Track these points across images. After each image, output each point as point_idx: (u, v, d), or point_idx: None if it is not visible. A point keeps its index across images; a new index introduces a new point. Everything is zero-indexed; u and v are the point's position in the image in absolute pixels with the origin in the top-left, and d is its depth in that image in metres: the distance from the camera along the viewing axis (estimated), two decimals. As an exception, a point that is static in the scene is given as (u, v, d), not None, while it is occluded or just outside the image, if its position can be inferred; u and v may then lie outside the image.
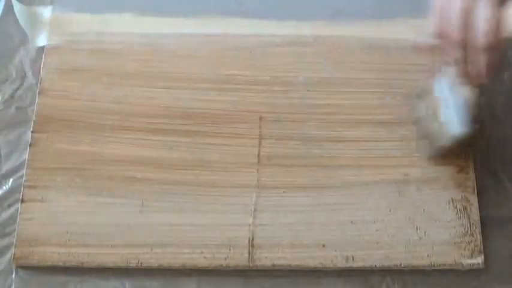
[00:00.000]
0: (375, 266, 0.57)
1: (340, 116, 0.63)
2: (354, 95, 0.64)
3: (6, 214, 0.60)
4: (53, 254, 0.57)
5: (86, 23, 0.68)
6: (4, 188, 0.61)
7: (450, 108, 0.55)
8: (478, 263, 0.57)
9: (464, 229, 0.59)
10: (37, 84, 0.65)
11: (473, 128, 0.55)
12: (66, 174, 0.60)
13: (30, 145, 0.61)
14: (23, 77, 0.66)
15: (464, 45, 0.49)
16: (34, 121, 0.62)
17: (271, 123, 0.63)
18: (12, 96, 0.65)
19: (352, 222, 0.59)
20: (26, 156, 0.61)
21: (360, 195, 0.60)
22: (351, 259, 0.57)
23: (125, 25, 0.68)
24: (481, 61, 0.49)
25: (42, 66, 0.65)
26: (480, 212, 0.59)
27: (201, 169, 0.61)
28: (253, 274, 0.58)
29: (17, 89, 0.66)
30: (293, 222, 0.59)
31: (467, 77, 0.51)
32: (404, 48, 0.67)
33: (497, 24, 0.47)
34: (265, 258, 0.57)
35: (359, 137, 0.62)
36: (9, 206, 0.60)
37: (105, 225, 0.58)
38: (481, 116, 0.56)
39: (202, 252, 0.57)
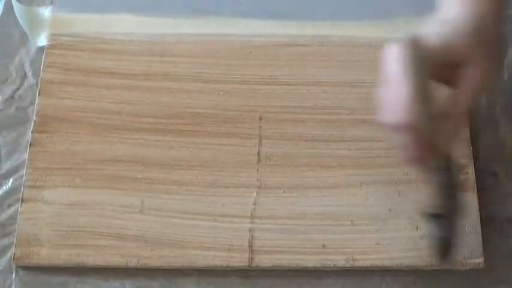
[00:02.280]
0: (375, 266, 0.57)
1: (340, 116, 0.63)
2: (354, 94, 0.64)
3: (6, 214, 0.60)
4: (53, 254, 0.57)
5: (86, 23, 0.68)
6: (4, 188, 0.61)
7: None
8: (478, 263, 0.57)
9: (464, 229, 0.59)
10: (37, 84, 0.65)
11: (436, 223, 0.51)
12: (66, 174, 0.60)
13: (30, 145, 0.61)
14: (23, 77, 0.66)
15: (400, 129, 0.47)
16: (34, 121, 0.62)
17: (271, 123, 0.63)
18: (12, 96, 0.65)
19: (352, 222, 0.59)
20: (26, 156, 0.61)
21: (360, 195, 0.60)
22: (351, 259, 0.57)
23: (125, 25, 0.68)
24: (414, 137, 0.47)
25: (42, 66, 0.65)
26: (480, 212, 0.59)
27: (201, 169, 0.61)
28: (253, 274, 0.58)
29: (17, 89, 0.66)
30: (293, 222, 0.59)
31: (417, 163, 0.49)
32: (404, 48, 0.67)
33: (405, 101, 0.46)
34: (265, 258, 0.57)
35: (359, 137, 0.62)
36: (9, 206, 0.60)
37: (105, 225, 0.58)
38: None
39: (202, 253, 0.57)
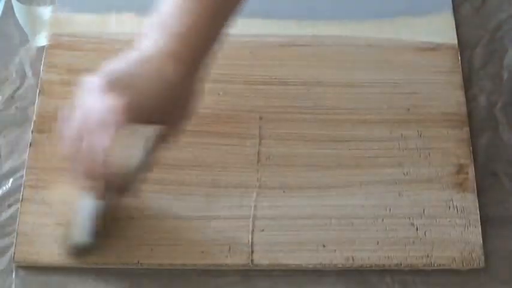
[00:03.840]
0: (375, 266, 0.57)
1: (340, 116, 0.63)
2: (354, 95, 0.64)
3: (6, 214, 0.60)
4: (53, 254, 0.57)
5: (86, 23, 0.68)
6: (4, 188, 0.61)
7: (81, 216, 0.55)
8: (478, 263, 0.57)
9: (464, 229, 0.59)
10: (37, 84, 0.65)
11: (92, 240, 0.55)
12: (66, 174, 0.60)
13: (30, 145, 0.61)
14: (23, 77, 0.66)
15: (82, 166, 0.48)
16: (34, 121, 0.62)
17: (271, 123, 0.63)
18: (12, 96, 0.65)
19: (352, 222, 0.59)
20: (26, 156, 0.61)
21: (360, 195, 0.60)
22: (351, 259, 0.57)
23: (125, 25, 0.68)
24: (96, 183, 0.48)
25: (42, 66, 0.65)
26: (480, 212, 0.59)
27: (201, 169, 0.61)
28: (253, 274, 0.58)
29: (17, 89, 0.66)
30: (293, 222, 0.59)
31: (93, 193, 0.51)
32: (404, 48, 0.67)
33: (101, 154, 0.46)
34: (265, 258, 0.57)
35: (359, 137, 0.62)
36: (9, 206, 0.60)
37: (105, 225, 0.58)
38: (104, 230, 0.56)
39: (202, 252, 0.57)
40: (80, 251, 0.56)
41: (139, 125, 0.47)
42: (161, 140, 0.51)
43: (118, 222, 0.58)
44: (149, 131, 0.49)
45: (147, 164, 0.51)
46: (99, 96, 0.46)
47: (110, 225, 0.57)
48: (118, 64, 0.48)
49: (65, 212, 0.59)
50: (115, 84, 0.46)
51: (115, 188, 0.50)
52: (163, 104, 0.48)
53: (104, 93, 0.46)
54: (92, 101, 0.46)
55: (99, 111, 0.46)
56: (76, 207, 0.55)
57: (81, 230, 0.55)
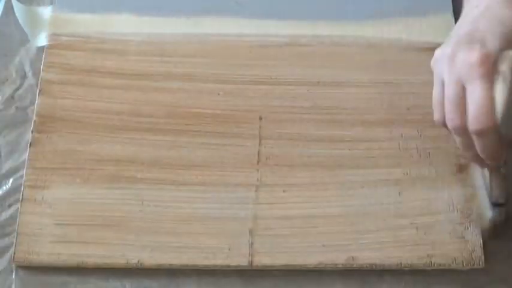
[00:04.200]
0: (375, 266, 0.57)
1: (340, 116, 0.63)
2: (354, 95, 0.64)
3: (6, 214, 0.60)
4: (53, 254, 0.57)
5: (86, 23, 0.68)
6: (4, 188, 0.61)
7: (479, 192, 0.57)
8: (478, 263, 0.57)
9: (464, 229, 0.59)
10: (37, 84, 0.65)
11: (497, 211, 0.56)
12: (66, 174, 0.60)
13: (30, 145, 0.61)
14: (23, 77, 0.66)
15: (460, 132, 0.49)
16: (34, 121, 0.62)
17: (271, 123, 0.63)
18: (12, 96, 0.65)
19: (352, 222, 0.59)
20: (26, 156, 0.61)
21: (359, 195, 0.60)
22: (351, 259, 0.57)
23: (125, 25, 0.68)
24: (478, 146, 0.48)
25: (42, 66, 0.65)
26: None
27: (200, 169, 0.61)
28: (253, 274, 0.58)
29: (17, 89, 0.66)
30: (293, 222, 0.59)
31: (475, 160, 0.51)
32: (404, 48, 0.67)
33: (486, 109, 0.46)
34: (265, 258, 0.57)
35: (359, 137, 0.62)
36: (9, 206, 0.60)
37: (105, 225, 0.58)
38: (505, 197, 0.56)
39: (202, 252, 0.57)
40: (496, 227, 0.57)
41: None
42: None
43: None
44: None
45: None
46: (458, 56, 0.48)
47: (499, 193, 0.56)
48: (461, 27, 0.50)
49: (65, 212, 0.59)
50: (467, 41, 0.48)
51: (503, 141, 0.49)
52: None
53: (460, 52, 0.48)
54: (454, 62, 0.48)
55: (467, 68, 0.47)
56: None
57: (484, 206, 0.56)
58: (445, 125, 0.51)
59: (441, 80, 0.50)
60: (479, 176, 0.59)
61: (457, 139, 0.51)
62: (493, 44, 0.48)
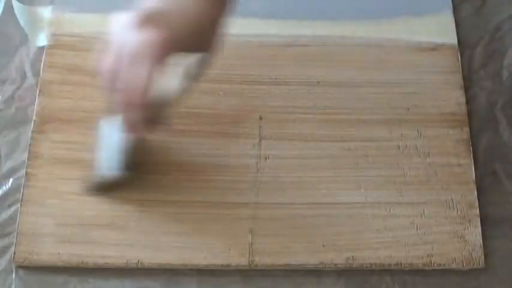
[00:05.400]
0: (375, 266, 0.57)
1: (340, 116, 0.63)
2: (354, 95, 0.64)
3: (6, 214, 0.60)
4: (53, 254, 0.57)
5: (86, 23, 0.68)
6: (4, 188, 0.61)
7: (108, 149, 0.56)
8: (478, 263, 0.57)
9: (464, 229, 0.59)
10: (37, 84, 0.65)
11: (124, 173, 0.56)
12: (66, 174, 0.60)
13: (30, 145, 0.61)
14: (23, 77, 0.66)
15: (120, 99, 0.49)
16: (34, 121, 0.62)
17: (271, 123, 0.63)
18: (12, 96, 0.65)
19: (352, 222, 0.59)
20: (26, 156, 0.61)
21: (359, 195, 0.60)
22: (351, 259, 0.57)
23: (125, 25, 0.68)
24: (134, 116, 0.49)
25: (42, 66, 0.65)
26: (480, 212, 0.59)
27: (201, 169, 0.61)
28: (253, 274, 0.58)
29: (17, 89, 0.66)
30: (293, 222, 0.59)
31: (126, 125, 0.51)
32: (404, 48, 0.67)
33: (141, 85, 0.47)
34: (265, 258, 0.57)
35: (359, 137, 0.62)
36: (9, 206, 0.60)
37: (105, 225, 0.58)
38: (135, 163, 0.57)
39: (202, 252, 0.57)
40: (105, 186, 0.57)
41: (175, 56, 0.48)
42: (197, 68, 0.52)
43: (144, 158, 0.59)
44: (185, 61, 0.51)
45: (182, 95, 0.52)
46: (136, 31, 0.47)
47: (137, 160, 0.57)
48: (151, 1, 0.49)
49: (65, 212, 0.59)
50: (151, 19, 0.48)
51: (149, 120, 0.50)
52: (196, 35, 0.49)
53: (140, 27, 0.47)
54: (129, 36, 0.48)
55: (137, 45, 0.47)
56: (102, 142, 0.56)
57: (109, 164, 0.56)
58: (109, 90, 0.50)
59: (119, 46, 0.49)
60: (114, 138, 0.56)
61: (120, 107, 0.50)
62: (176, 30, 0.48)
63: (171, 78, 0.51)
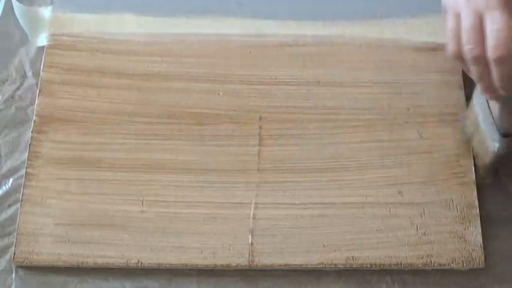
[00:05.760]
0: (375, 266, 0.57)
1: (340, 116, 0.63)
2: (354, 95, 0.64)
3: (6, 214, 0.60)
4: (53, 254, 0.57)
5: (86, 23, 0.68)
6: (4, 188, 0.61)
7: (484, 124, 0.56)
8: (478, 263, 0.57)
9: (464, 229, 0.59)
10: (37, 84, 0.65)
11: (504, 141, 0.56)
12: (66, 174, 0.60)
13: (30, 145, 0.61)
14: (23, 77, 0.66)
15: (478, 61, 0.49)
16: (34, 121, 0.62)
17: (271, 123, 0.63)
18: (12, 96, 0.65)
19: (352, 222, 0.59)
20: (26, 156, 0.61)
21: (359, 195, 0.60)
22: (351, 259, 0.57)
23: (125, 25, 0.68)
24: (496, 75, 0.49)
25: (42, 66, 0.65)
26: (480, 212, 0.59)
27: (201, 169, 0.61)
28: (253, 274, 0.58)
29: (17, 89, 0.66)
30: (293, 222, 0.59)
31: (487, 91, 0.51)
32: (404, 48, 0.67)
33: (506, 37, 0.47)
34: (265, 258, 0.57)
35: (359, 137, 0.62)
36: (9, 206, 0.60)
37: (105, 225, 0.58)
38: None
39: (202, 252, 0.57)
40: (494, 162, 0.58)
41: None
42: None
43: None
44: None
45: None
46: None
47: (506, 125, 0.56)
48: None
49: (65, 212, 0.59)
50: None
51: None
52: None
53: None
54: None
55: None
56: (477, 119, 0.57)
57: (489, 138, 0.56)
58: (459, 57, 0.50)
59: (455, 13, 0.50)
60: (485, 109, 0.57)
61: (473, 69, 0.50)
62: None
63: None
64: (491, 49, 0.47)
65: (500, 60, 0.47)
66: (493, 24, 0.47)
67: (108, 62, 0.65)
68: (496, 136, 0.56)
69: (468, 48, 0.49)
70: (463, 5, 0.49)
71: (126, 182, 0.60)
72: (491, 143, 0.57)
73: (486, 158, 0.58)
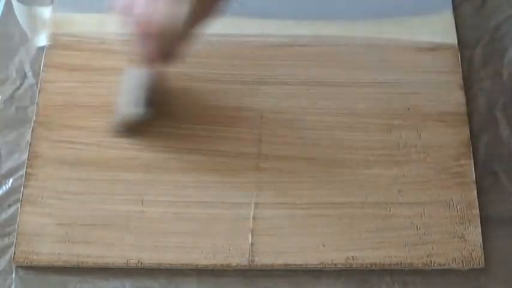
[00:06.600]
0: (375, 266, 0.57)
1: (340, 116, 0.63)
2: (354, 95, 0.64)
3: (6, 214, 0.60)
4: (53, 254, 0.57)
5: (86, 23, 0.68)
6: (4, 188, 0.61)
7: (129, 91, 0.58)
8: (478, 263, 0.57)
9: (464, 229, 0.59)
10: (37, 84, 0.65)
11: (144, 110, 0.58)
12: (66, 174, 0.60)
13: (30, 145, 0.61)
14: (23, 77, 0.66)
15: (138, 31, 0.51)
16: (34, 121, 0.62)
17: (271, 123, 0.63)
18: (12, 96, 0.65)
19: (352, 222, 0.59)
20: (26, 156, 0.61)
21: (359, 195, 0.60)
22: (351, 259, 0.57)
23: (125, 25, 0.68)
24: (149, 47, 0.51)
25: (42, 66, 0.65)
26: (480, 212, 0.59)
27: (200, 169, 0.61)
28: (253, 274, 0.58)
29: (17, 89, 0.66)
30: (293, 222, 0.59)
31: (142, 60, 0.53)
32: (404, 48, 0.67)
33: (154, 14, 0.49)
34: (265, 258, 0.57)
35: (359, 136, 0.62)
36: (9, 206, 0.60)
37: (105, 225, 0.58)
38: (157, 99, 0.59)
39: (202, 252, 0.58)
40: (127, 125, 0.59)
41: None
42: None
43: (165, 95, 0.61)
44: None
45: (194, 26, 0.52)
46: None
47: (157, 97, 0.59)
48: None
49: (65, 212, 0.59)
50: None
51: (165, 53, 0.52)
52: None
53: None
54: None
55: None
56: (124, 87, 0.58)
57: (129, 102, 0.58)
58: (128, 26, 0.52)
59: None
60: (133, 78, 0.59)
61: (137, 40, 0.52)
62: None
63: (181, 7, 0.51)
64: (142, 23, 0.50)
65: (149, 35, 0.50)
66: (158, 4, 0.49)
67: (108, 62, 0.65)
68: (135, 103, 0.58)
69: (138, 21, 0.51)
70: None
71: (126, 182, 0.60)
72: (128, 108, 0.58)
73: (119, 118, 0.60)
